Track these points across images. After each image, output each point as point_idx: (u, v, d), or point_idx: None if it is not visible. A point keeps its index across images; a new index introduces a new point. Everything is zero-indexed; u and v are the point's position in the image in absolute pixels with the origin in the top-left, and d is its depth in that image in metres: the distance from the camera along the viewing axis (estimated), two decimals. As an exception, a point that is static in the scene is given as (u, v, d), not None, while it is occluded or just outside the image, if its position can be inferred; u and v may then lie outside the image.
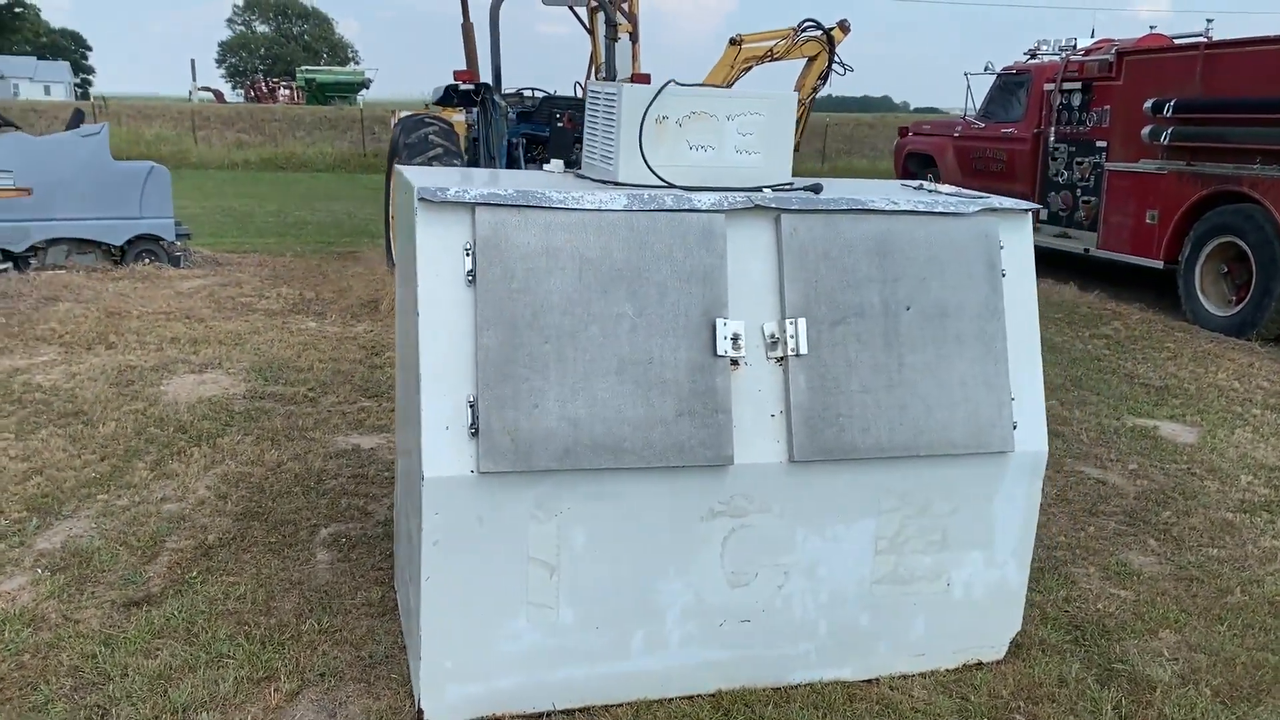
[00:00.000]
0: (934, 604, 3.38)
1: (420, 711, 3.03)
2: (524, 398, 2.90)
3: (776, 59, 11.77)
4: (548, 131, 9.27)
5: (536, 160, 9.54)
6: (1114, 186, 10.78)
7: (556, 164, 3.74)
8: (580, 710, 3.12)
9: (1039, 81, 12.37)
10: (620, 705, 3.15)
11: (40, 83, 75.71)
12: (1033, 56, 13.08)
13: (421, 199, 2.89)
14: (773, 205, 3.15)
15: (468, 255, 2.91)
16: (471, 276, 2.90)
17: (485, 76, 9.71)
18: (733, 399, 3.08)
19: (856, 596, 3.30)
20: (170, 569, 3.88)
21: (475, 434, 2.87)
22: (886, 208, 3.23)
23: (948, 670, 3.43)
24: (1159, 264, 10.04)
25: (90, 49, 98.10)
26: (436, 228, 2.90)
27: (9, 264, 9.97)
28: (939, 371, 3.22)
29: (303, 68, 65.45)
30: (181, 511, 4.39)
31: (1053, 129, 11.93)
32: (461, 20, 11.24)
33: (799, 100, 12.00)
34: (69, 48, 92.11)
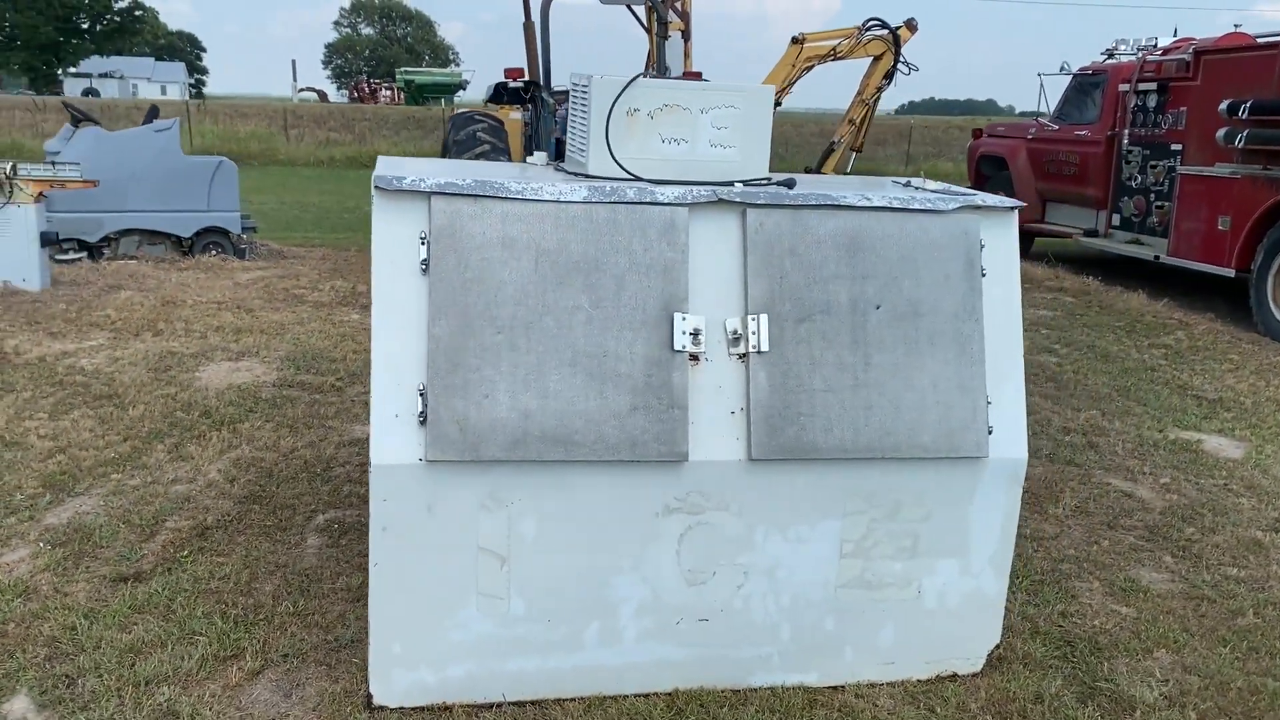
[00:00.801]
0: (904, 611, 3.29)
1: (369, 696, 3.05)
2: (474, 388, 2.90)
3: (839, 58, 11.61)
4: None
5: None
6: (1186, 191, 10.37)
7: (540, 156, 3.74)
8: (532, 703, 3.11)
9: (1114, 82, 11.97)
10: (573, 699, 3.13)
11: (157, 83, 78.25)
12: (1110, 56, 12.67)
13: (377, 187, 2.91)
14: (738, 199, 3.10)
15: (423, 244, 2.92)
16: (425, 265, 2.92)
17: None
18: (691, 395, 3.04)
19: (821, 600, 3.23)
20: (164, 547, 3.98)
21: (424, 422, 2.88)
22: (858, 204, 3.16)
23: (919, 681, 3.33)
24: (1230, 272, 9.63)
25: (205, 50, 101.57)
26: (392, 216, 2.93)
27: (84, 253, 10.38)
28: (909, 372, 3.13)
29: (403, 69, 66.83)
30: (188, 493, 4.50)
31: (1127, 131, 11.54)
32: (523, 20, 11.36)
33: (861, 100, 11.83)
34: (185, 49, 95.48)
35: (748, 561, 3.15)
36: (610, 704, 3.12)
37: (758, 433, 3.05)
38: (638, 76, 3.23)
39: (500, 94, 9.26)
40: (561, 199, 3.00)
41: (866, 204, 3.16)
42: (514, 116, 10.71)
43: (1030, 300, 10.06)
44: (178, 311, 7.86)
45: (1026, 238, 13.51)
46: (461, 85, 60.28)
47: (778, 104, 11.72)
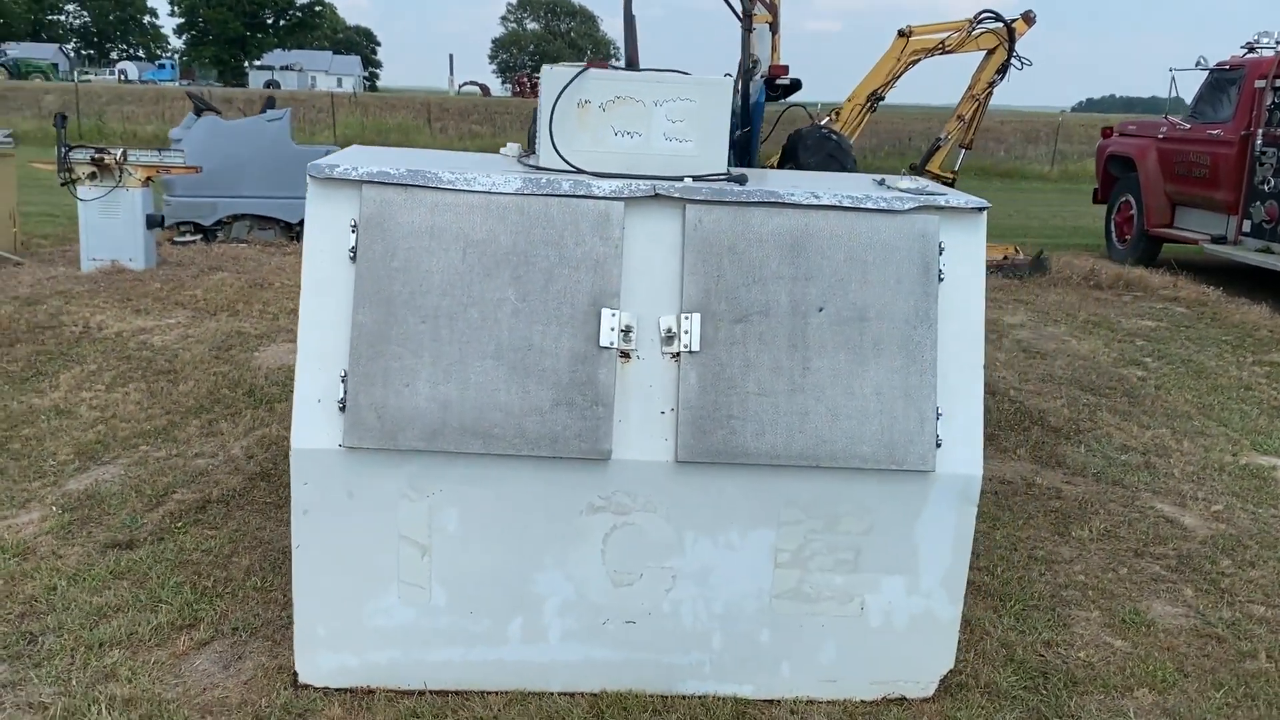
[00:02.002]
0: (847, 628, 3.15)
1: (295, 675, 3.11)
2: (395, 376, 2.92)
3: (948, 52, 11.20)
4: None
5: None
6: (1320, 197, 9.58)
7: (513, 147, 3.73)
8: (455, 693, 3.12)
9: (1251, 78, 11.16)
10: (496, 694, 3.12)
11: (334, 75, 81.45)
12: (1250, 50, 11.82)
13: (311, 175, 2.96)
14: (677, 195, 3.02)
15: (353, 232, 2.96)
16: (354, 253, 2.95)
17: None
18: (621, 393, 2.98)
19: (755, 611, 3.12)
20: (164, 518, 4.16)
21: (343, 409, 2.92)
22: (804, 201, 3.03)
23: (861, 702, 3.18)
24: (1362, 287, 8.86)
25: (379, 44, 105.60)
26: (325, 203, 2.97)
27: (199, 235, 10.96)
28: (851, 379, 3.00)
29: (559, 64, 67.74)
30: (206, 467, 4.69)
31: (1261, 131, 10.75)
32: (624, 9, 11.37)
33: (971, 95, 11.39)
34: (361, 43, 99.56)
35: (676, 565, 3.07)
36: (533, 700, 3.10)
37: (685, 434, 2.97)
38: (588, 67, 3.19)
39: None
40: (493, 190, 2.98)
41: (813, 202, 3.03)
42: None
43: (1137, 310, 9.50)
44: (261, 294, 8.21)
45: (1154, 244, 12.76)
46: None
47: (880, 98, 11.41)
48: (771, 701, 3.17)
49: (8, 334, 6.64)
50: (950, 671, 3.26)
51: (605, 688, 3.15)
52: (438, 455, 2.95)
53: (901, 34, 11.25)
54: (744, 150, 9.64)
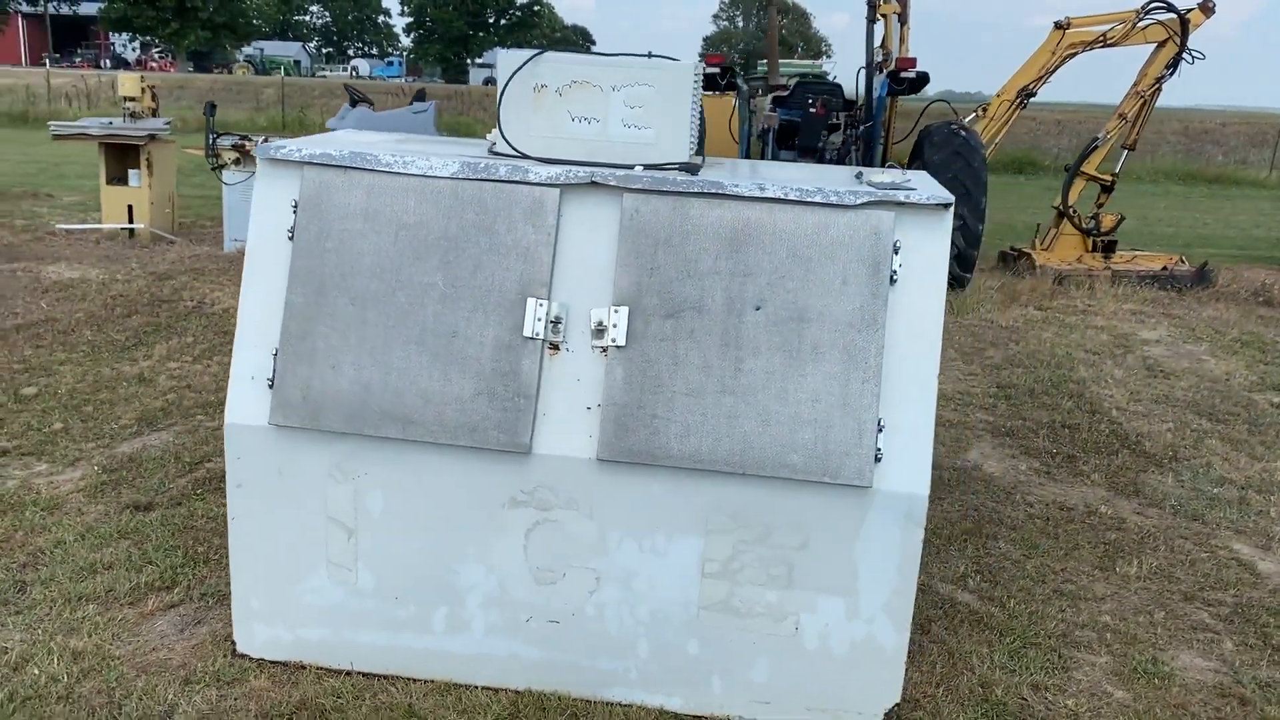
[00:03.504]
0: (780, 648, 2.96)
1: (234, 644, 3.19)
2: (321, 357, 2.94)
3: (1110, 45, 10.46)
4: (800, 117, 8.99)
5: (792, 147, 9.29)
6: None
7: (495, 135, 3.68)
8: (381, 676, 3.12)
9: None
10: (420, 681, 3.10)
11: None
12: None
13: (261, 156, 3.01)
14: (614, 183, 2.91)
15: (294, 212, 2.99)
16: (292, 233, 2.98)
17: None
18: (546, 385, 2.90)
19: (683, 621, 2.97)
20: (189, 484, 4.36)
21: (272, 386, 2.96)
22: (747, 193, 2.86)
23: (796, 728, 2.99)
24: None
25: (594, 43, 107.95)
26: (270, 184, 3.02)
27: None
28: (786, 382, 2.81)
29: (764, 61, 67.75)
30: (248, 439, 4.89)
31: None
32: (766, 4, 11.16)
33: (1136, 92, 10.57)
34: (577, 41, 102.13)
35: (600, 567, 2.97)
36: (454, 691, 3.06)
37: (605, 432, 2.85)
38: (544, 50, 3.11)
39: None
40: (428, 174, 2.95)
41: (757, 194, 2.86)
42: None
43: (1305, 330, 8.57)
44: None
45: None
46: (820, 77, 60.39)
47: (1031, 94, 10.76)
48: (699, 718, 3.02)
49: (129, 306, 7.14)
50: (900, 705, 3.02)
51: (530, 686, 3.08)
52: (364, 438, 2.96)
53: (1058, 26, 10.57)
54: (867, 146, 9.31)
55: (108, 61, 59.73)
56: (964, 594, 3.81)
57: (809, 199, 2.84)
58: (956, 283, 8.94)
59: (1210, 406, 6.26)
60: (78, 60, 57.71)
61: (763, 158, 9.39)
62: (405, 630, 3.09)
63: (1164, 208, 17.86)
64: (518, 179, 2.94)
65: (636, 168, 3.02)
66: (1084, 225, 10.72)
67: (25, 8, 56.83)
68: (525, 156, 3.08)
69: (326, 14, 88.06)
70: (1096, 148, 10.72)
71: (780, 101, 9.25)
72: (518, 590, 3.02)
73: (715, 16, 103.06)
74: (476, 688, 3.08)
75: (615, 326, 2.87)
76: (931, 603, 3.72)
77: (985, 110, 10.84)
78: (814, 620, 2.93)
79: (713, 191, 2.88)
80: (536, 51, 3.09)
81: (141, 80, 9.87)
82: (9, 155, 17.60)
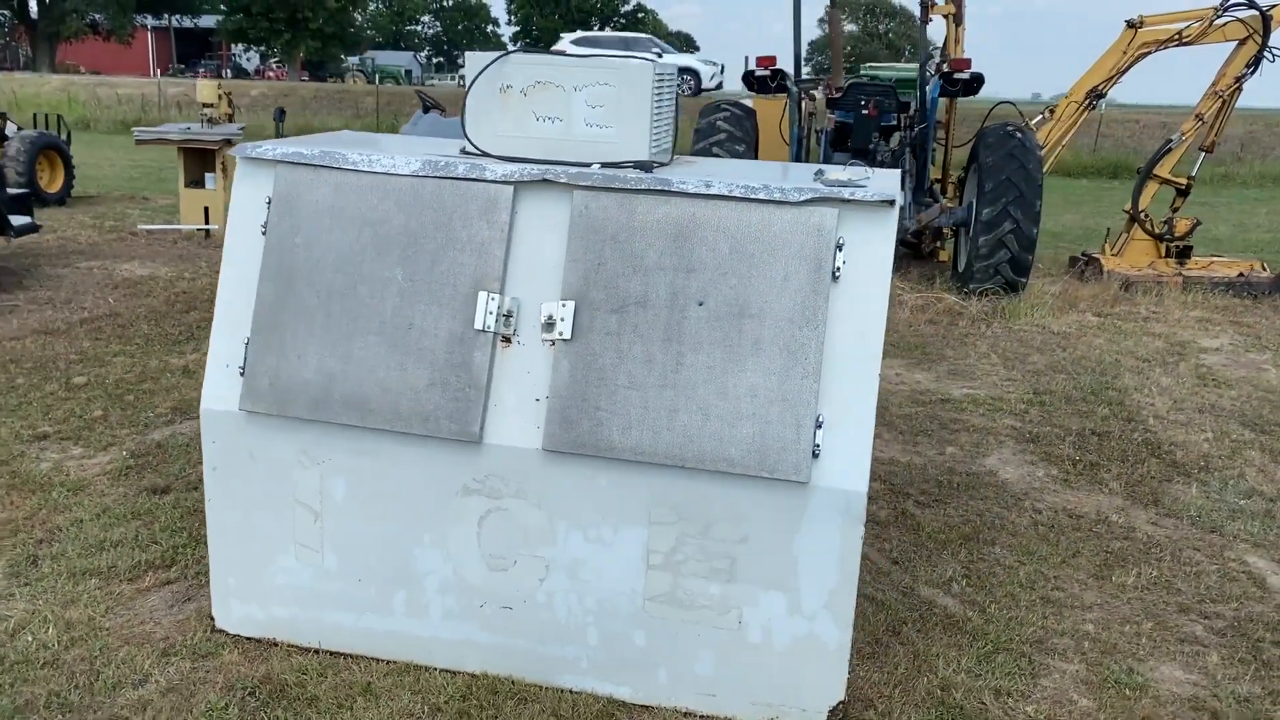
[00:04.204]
0: (724, 641, 2.98)
1: (212, 619, 3.35)
2: (289, 346, 3.08)
3: (1186, 43, 10.12)
4: (852, 118, 8.92)
5: (848, 149, 9.23)
6: None
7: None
8: (346, 655, 3.24)
9: None
10: (383, 661, 3.21)
11: None
12: None
13: (239, 155, 3.17)
14: (564, 180, 2.98)
15: (268, 208, 3.14)
16: (264, 228, 3.13)
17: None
18: (499, 377, 2.99)
19: (629, 611, 3.02)
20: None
21: (243, 374, 3.11)
22: (692, 190, 2.90)
23: (741, 721, 3.01)
24: None
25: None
26: (247, 181, 3.17)
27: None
28: (726, 378, 2.84)
29: (866, 65, 67.16)
30: (272, 429, 5.09)
31: None
32: (827, 6, 11.12)
33: (1214, 92, 10.19)
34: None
35: (549, 555, 3.04)
36: (412, 672, 3.17)
37: (550, 424, 2.93)
38: (510, 51, 3.20)
39: (750, 82, 9.18)
40: (390, 171, 3.07)
41: (702, 191, 2.89)
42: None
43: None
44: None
45: None
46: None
47: (1101, 95, 10.48)
48: (646, 707, 3.06)
49: (189, 302, 7.48)
50: (851, 704, 3.02)
51: (486, 670, 3.16)
52: (328, 425, 3.08)
53: (1130, 25, 10.26)
54: (920, 148, 9.19)
55: (229, 71, 62.19)
56: (945, 598, 3.77)
57: (752, 195, 2.87)
58: (1010, 288, 8.76)
59: (1257, 417, 6.03)
60: (201, 70, 60.17)
61: (823, 160, 9.35)
62: (368, 612, 3.21)
63: (1265, 214, 17.13)
64: (474, 176, 3.03)
65: (594, 166, 3.08)
66: (1156, 230, 10.37)
67: (151, 21, 59.47)
68: (486, 155, 3.18)
69: (438, 24, 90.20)
70: (1170, 150, 10.36)
71: (833, 103, 9.20)
72: (472, 576, 3.11)
73: (820, 20, 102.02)
74: (435, 670, 3.18)
75: (563, 320, 2.94)
76: (909, 605, 3.70)
77: (1053, 112, 10.58)
78: (757, 614, 2.95)
79: (659, 188, 2.93)
80: (503, 53, 3.19)
81: (218, 87, 10.29)
82: (118, 160, 18.51)
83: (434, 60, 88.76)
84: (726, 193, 2.89)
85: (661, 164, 3.25)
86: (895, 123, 9.21)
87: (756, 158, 9.24)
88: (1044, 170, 9.92)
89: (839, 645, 2.93)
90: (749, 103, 9.95)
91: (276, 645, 3.28)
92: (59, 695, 2.99)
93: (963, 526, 4.37)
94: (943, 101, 10.08)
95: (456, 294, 3.00)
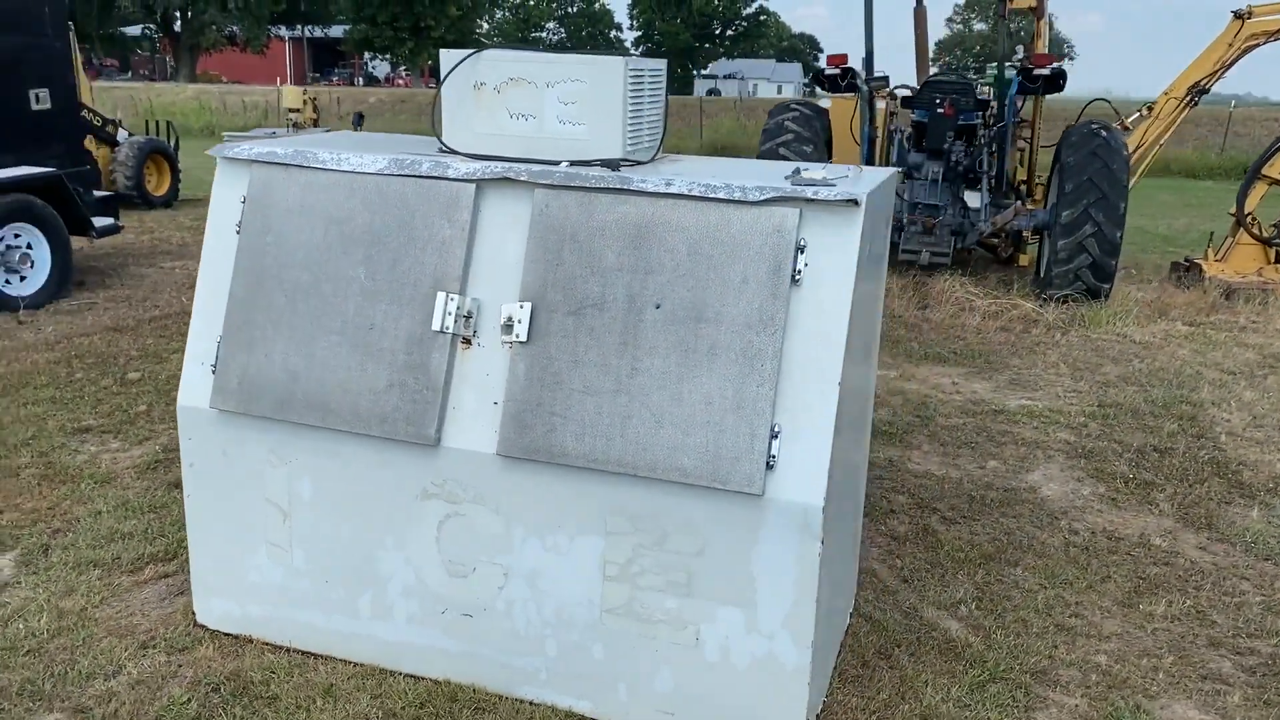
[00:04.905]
0: (682, 658, 2.87)
1: (194, 614, 3.39)
2: (258, 345, 3.09)
3: (1297, 35, 9.45)
4: (927, 118, 8.62)
5: (924, 149, 8.92)
6: None
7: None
8: (316, 655, 3.23)
9: None
10: (350, 663, 3.19)
11: (775, 82, 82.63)
12: None
13: (217, 156, 3.20)
14: (525, 178, 2.91)
15: (243, 208, 3.16)
16: (239, 227, 3.15)
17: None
18: (458, 380, 2.94)
19: (587, 623, 2.93)
20: (230, 466, 4.65)
21: (214, 372, 3.13)
22: (651, 189, 2.79)
23: (700, 742, 2.89)
24: None
25: (822, 51, 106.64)
26: (225, 181, 3.20)
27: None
28: (680, 384, 2.73)
29: (993, 64, 64.87)
30: (303, 426, 5.17)
31: None
32: (915, 5, 10.80)
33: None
34: (804, 50, 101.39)
35: (507, 563, 2.97)
36: (376, 676, 3.14)
37: (505, 428, 2.86)
38: (485, 49, 3.15)
39: (820, 81, 8.95)
40: (357, 170, 3.05)
41: (663, 190, 2.79)
42: (879, 106, 10.26)
43: None
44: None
45: None
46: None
47: (1204, 91, 9.90)
48: (605, 723, 2.97)
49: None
50: (814, 730, 2.87)
51: (449, 677, 3.11)
52: (294, 425, 3.08)
53: (1237, 15, 9.67)
54: (1000, 146, 8.81)
55: (360, 80, 64.28)
56: (950, 620, 3.56)
57: (711, 195, 2.75)
58: (1093, 294, 8.32)
59: (1345, 436, 5.57)
60: (334, 79, 62.26)
61: (897, 161, 9.06)
62: (336, 613, 3.20)
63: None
64: (437, 174, 2.99)
65: (563, 164, 3.01)
66: (1264, 234, 9.74)
67: (285, 33, 61.79)
68: (454, 152, 3.13)
69: (562, 30, 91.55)
70: (1280, 150, 9.72)
71: (909, 102, 8.90)
72: (433, 582, 3.06)
73: (949, 20, 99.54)
74: (400, 674, 3.15)
75: (520, 322, 2.87)
76: (909, 627, 3.51)
77: (1151, 109, 10.05)
78: (714, 631, 2.82)
79: (619, 187, 2.83)
80: (475, 50, 3.14)
81: (304, 93, 10.59)
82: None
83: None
84: (685, 192, 2.77)
85: (638, 162, 3.16)
86: (975, 121, 8.86)
87: (829, 158, 9.01)
88: (1139, 171, 9.43)
89: (798, 666, 2.79)
90: (824, 103, 9.72)
91: (251, 642, 3.30)
92: (32, 683, 3.06)
93: (986, 545, 4.14)
94: (1031, 100, 9.67)
95: (417, 294, 2.96)
